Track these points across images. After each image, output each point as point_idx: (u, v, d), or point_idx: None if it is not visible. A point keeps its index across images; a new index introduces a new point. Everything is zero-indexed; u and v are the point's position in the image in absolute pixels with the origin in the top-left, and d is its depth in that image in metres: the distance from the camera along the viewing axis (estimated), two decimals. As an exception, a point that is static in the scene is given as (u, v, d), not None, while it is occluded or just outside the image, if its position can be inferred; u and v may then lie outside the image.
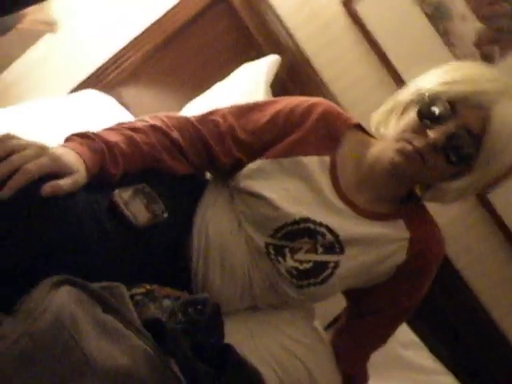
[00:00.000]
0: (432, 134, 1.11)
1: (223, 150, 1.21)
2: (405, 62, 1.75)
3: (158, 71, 1.85)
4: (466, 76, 1.14)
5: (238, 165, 1.23)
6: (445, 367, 1.71)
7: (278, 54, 1.75)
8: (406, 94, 1.21)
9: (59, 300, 0.71)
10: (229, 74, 1.75)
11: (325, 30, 1.81)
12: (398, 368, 1.64)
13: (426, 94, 1.14)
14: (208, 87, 1.75)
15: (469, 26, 1.73)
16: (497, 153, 1.12)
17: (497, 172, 1.18)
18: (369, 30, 1.75)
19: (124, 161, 1.09)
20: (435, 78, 1.16)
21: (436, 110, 1.12)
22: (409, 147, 1.13)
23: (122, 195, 1.05)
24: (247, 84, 1.66)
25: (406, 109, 1.19)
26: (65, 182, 0.97)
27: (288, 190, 1.20)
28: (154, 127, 1.17)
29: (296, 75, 1.79)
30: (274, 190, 1.20)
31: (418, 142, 1.12)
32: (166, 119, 1.20)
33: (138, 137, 1.13)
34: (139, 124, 1.17)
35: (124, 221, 1.04)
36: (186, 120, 1.22)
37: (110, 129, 1.15)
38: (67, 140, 1.08)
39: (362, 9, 1.75)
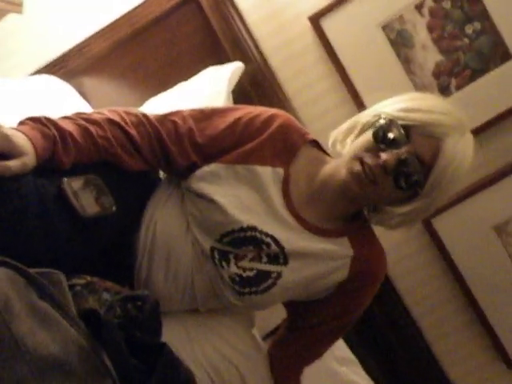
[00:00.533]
0: (384, 156, 1.13)
1: (180, 152, 1.21)
2: (365, 83, 1.78)
3: (122, 64, 1.84)
4: (424, 106, 1.17)
5: (193, 167, 1.23)
6: (377, 386, 1.73)
7: (243, 61, 1.76)
8: (365, 115, 1.24)
9: (-6, 281, 0.70)
10: (193, 74, 1.75)
11: (290, 43, 1.82)
12: (332, 383, 1.66)
13: (384, 117, 1.17)
14: (171, 86, 1.74)
15: (429, 56, 1.77)
16: (443, 183, 1.16)
17: (440, 202, 1.22)
18: (333, 48, 1.77)
19: (76, 151, 1.08)
20: (395, 104, 1.20)
21: (391, 134, 1.15)
22: (359, 167, 1.15)
23: (72, 184, 1.04)
24: (209, 87, 1.67)
25: (363, 130, 1.22)
26: (13, 164, 0.95)
27: (239, 197, 1.21)
28: (110, 121, 1.16)
29: (258, 85, 1.80)
30: (225, 196, 1.21)
31: (370, 161, 1.14)
32: (124, 114, 1.19)
33: (93, 129, 1.12)
34: (96, 116, 1.16)
35: (71, 210, 1.03)
36: (145, 117, 1.21)
37: (66, 117, 1.13)
38: (20, 124, 1.06)
39: (328, 27, 1.77)
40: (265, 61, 1.82)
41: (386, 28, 1.77)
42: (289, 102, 1.83)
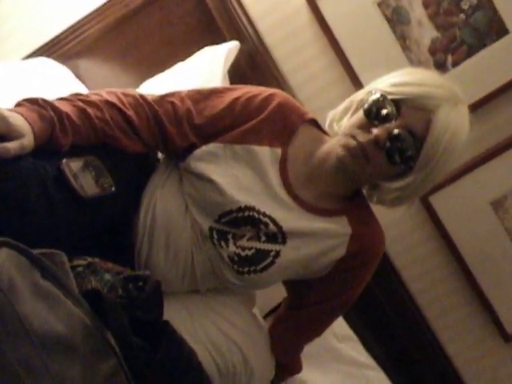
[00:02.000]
0: (375, 131, 1.14)
1: (178, 133, 1.21)
2: (362, 61, 1.78)
3: (118, 46, 1.82)
4: (415, 79, 1.17)
5: (192, 148, 1.23)
6: (376, 363, 1.75)
7: (239, 41, 1.75)
8: (360, 94, 1.25)
9: (-4, 261, 0.70)
10: (189, 55, 1.74)
11: (286, 22, 1.81)
12: (332, 360, 1.67)
13: (375, 93, 1.17)
14: (167, 67, 1.73)
15: (425, 33, 1.76)
16: (437, 155, 1.15)
17: (435, 177, 1.20)
18: (329, 26, 1.76)
19: (74, 132, 1.08)
20: (387, 79, 1.20)
21: (382, 109, 1.15)
22: (353, 142, 1.16)
23: (71, 165, 1.04)
24: (206, 67, 1.66)
25: (357, 108, 1.22)
26: (12, 145, 0.95)
27: (237, 177, 1.22)
28: (108, 103, 1.16)
29: (255, 64, 1.79)
30: (223, 175, 1.21)
31: (362, 138, 1.15)
32: (122, 96, 1.19)
33: (91, 111, 1.12)
34: (94, 98, 1.15)
35: (71, 191, 1.03)
36: (143, 99, 1.21)
37: (64, 99, 1.13)
38: (17, 105, 1.06)
39: (324, 4, 1.76)
40: (260, 40, 1.81)
41: (381, 5, 1.76)
42: (285, 81, 1.82)
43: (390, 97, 1.15)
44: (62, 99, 1.12)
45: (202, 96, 1.25)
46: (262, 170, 1.22)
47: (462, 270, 1.90)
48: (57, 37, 1.83)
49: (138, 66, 1.82)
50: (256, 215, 1.21)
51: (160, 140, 1.22)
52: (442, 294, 1.96)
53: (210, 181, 1.20)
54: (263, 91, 1.27)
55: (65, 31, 1.82)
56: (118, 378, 0.79)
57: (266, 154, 1.23)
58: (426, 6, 1.75)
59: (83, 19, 1.81)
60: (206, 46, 1.75)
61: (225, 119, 1.23)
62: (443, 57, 1.77)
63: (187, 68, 1.71)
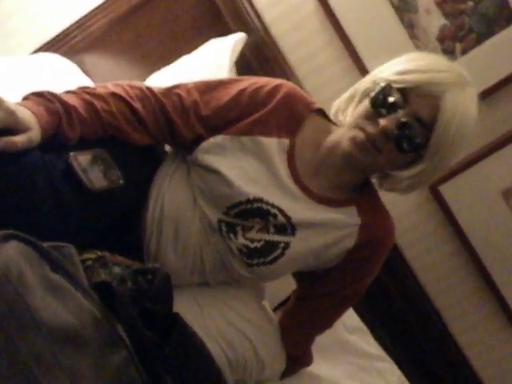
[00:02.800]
0: (383, 121, 1.13)
1: (185, 124, 1.21)
2: (369, 50, 1.77)
3: (124, 40, 1.82)
4: (420, 66, 1.15)
5: (198, 140, 1.23)
6: (387, 355, 1.74)
7: (245, 32, 1.74)
8: (364, 82, 1.24)
9: (6, 254, 0.70)
10: (195, 47, 1.73)
11: (292, 12, 1.80)
12: (342, 352, 1.67)
13: (381, 82, 1.16)
14: (173, 60, 1.73)
15: (433, 21, 1.75)
16: (447, 141, 1.14)
17: (447, 162, 1.20)
18: (336, 15, 1.76)
19: (81, 126, 1.08)
20: (391, 67, 1.19)
21: (388, 98, 1.14)
22: (361, 135, 1.15)
23: (79, 159, 1.04)
24: (212, 60, 1.65)
25: (362, 97, 1.21)
26: (19, 139, 0.95)
27: (245, 168, 1.21)
28: (115, 95, 1.15)
29: (261, 55, 1.79)
30: (230, 167, 1.20)
31: (370, 129, 1.15)
32: (128, 88, 1.19)
33: (97, 103, 1.11)
34: (100, 90, 1.15)
35: (79, 184, 1.03)
36: (150, 91, 1.21)
37: (70, 92, 1.13)
38: (24, 99, 1.06)
39: (330, -6, 1.76)
40: (267, 31, 1.80)
41: (388, -7, 1.75)
42: (292, 72, 1.82)
43: (395, 85, 1.14)
44: (68, 92, 1.12)
45: (209, 87, 1.25)
46: (270, 161, 1.22)
47: (473, 260, 1.89)
48: (63, 32, 1.83)
49: (145, 60, 1.82)
50: (265, 207, 1.20)
51: (167, 132, 1.22)
52: (452, 284, 1.95)
53: (218, 173, 1.20)
54: (270, 82, 1.26)
55: (71, 26, 1.83)
56: (129, 370, 0.79)
57: (274, 145, 1.22)
58: (433, -7, 1.74)
59: (88, 14, 1.82)
60: (212, 38, 1.75)
61: (232, 111, 1.22)
62: (452, 45, 1.76)
63: (194, 60, 1.71)
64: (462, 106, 1.13)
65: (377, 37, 1.76)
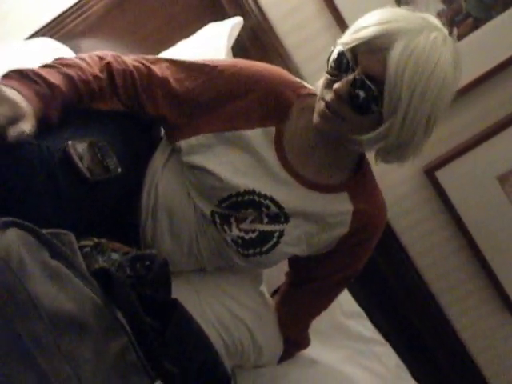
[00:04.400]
0: (335, 85, 1.07)
1: (148, 98, 1.19)
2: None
3: (121, 24, 1.80)
4: (370, 21, 1.08)
5: (165, 123, 1.22)
6: (384, 338, 1.76)
7: (242, 16, 1.73)
8: None
9: (6, 241, 0.70)
10: (192, 32, 1.72)
11: (289, -4, 1.79)
12: (340, 336, 1.68)
13: (334, 48, 1.11)
14: (170, 45, 1.71)
15: (430, 6, 1.73)
16: (403, 94, 1.04)
17: (420, 118, 1.08)
18: (333, 1, 1.74)
19: (63, 105, 1.07)
20: (349, 30, 1.12)
21: (340, 63, 1.08)
22: (322, 105, 1.11)
23: (77, 147, 1.04)
24: (209, 44, 1.65)
25: (328, 60, 1.14)
26: (26, 126, 0.95)
27: (233, 162, 1.19)
28: (90, 64, 1.15)
29: (258, 40, 1.77)
30: (218, 163, 1.19)
31: (328, 97, 1.09)
32: (102, 56, 1.18)
33: (74, 73, 1.10)
34: (77, 61, 1.14)
35: (77, 173, 1.03)
36: (121, 59, 1.19)
37: (48, 66, 1.11)
38: (6, 77, 1.03)
39: (326, -22, 1.74)
40: (264, 15, 1.78)
41: (387, -21, 1.73)
42: (289, 57, 1.80)
43: (346, 47, 1.07)
44: (46, 67, 1.10)
45: (185, 66, 1.22)
46: (257, 152, 1.20)
47: (469, 245, 1.90)
48: (59, 16, 1.81)
49: (142, 45, 1.80)
50: (256, 198, 1.20)
51: (136, 103, 1.19)
52: (449, 269, 1.96)
53: (207, 170, 1.19)
54: (254, 66, 1.23)
55: (67, 10, 1.80)
56: (129, 356, 0.79)
57: (259, 136, 1.20)
58: (430, -22, 1.73)
59: (85, -2, 1.80)
60: (210, 22, 1.73)
61: (206, 92, 1.19)
62: (449, 29, 1.72)
63: (191, 45, 1.70)
64: (417, 53, 1.03)
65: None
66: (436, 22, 1.10)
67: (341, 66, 1.08)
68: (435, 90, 1.05)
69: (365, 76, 1.05)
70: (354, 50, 1.07)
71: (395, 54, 1.02)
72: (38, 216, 0.95)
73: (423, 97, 1.05)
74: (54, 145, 1.03)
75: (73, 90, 1.09)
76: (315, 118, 1.13)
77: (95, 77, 1.13)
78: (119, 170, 1.10)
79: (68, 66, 1.12)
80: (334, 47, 1.11)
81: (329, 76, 1.11)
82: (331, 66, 1.10)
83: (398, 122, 1.07)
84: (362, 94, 1.06)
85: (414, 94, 1.04)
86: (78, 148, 1.04)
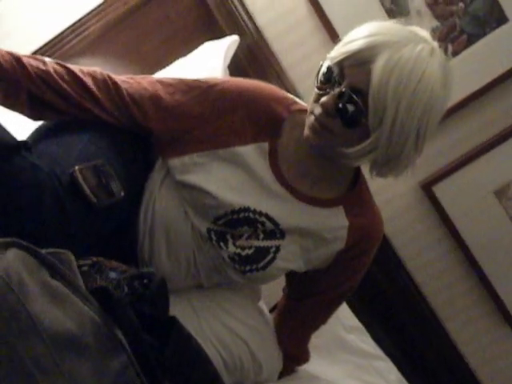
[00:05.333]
0: (322, 99, 1.08)
1: (139, 111, 1.19)
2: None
3: (119, 43, 1.82)
4: (356, 35, 1.08)
5: (152, 138, 1.22)
6: (383, 353, 1.75)
7: (238, 35, 1.75)
8: None
9: (7, 262, 0.71)
10: (189, 51, 1.73)
11: (285, 15, 1.80)
12: (340, 351, 1.68)
13: (322, 63, 1.12)
14: (168, 63, 1.73)
15: (424, 23, 1.75)
16: (388, 107, 1.04)
17: (408, 132, 1.07)
18: (329, 18, 1.76)
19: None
20: (338, 45, 1.13)
21: (327, 77, 1.09)
22: (311, 119, 1.11)
23: (83, 172, 1.04)
24: (206, 63, 1.66)
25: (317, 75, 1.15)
26: None
27: (227, 180, 1.19)
28: (62, 66, 1.16)
29: (254, 58, 1.79)
30: (211, 182, 1.19)
31: (316, 111, 1.10)
32: (83, 68, 1.19)
33: (28, 60, 1.11)
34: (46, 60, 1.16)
35: (83, 198, 1.04)
36: (107, 74, 1.20)
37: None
38: None
39: (322, -3, 1.76)
40: (260, 34, 1.80)
41: (380, -4, 1.75)
42: (285, 75, 1.82)
43: (334, 61, 1.08)
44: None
45: (175, 81, 1.23)
46: (251, 168, 1.20)
47: (467, 259, 1.90)
48: (58, 36, 1.83)
49: (139, 64, 1.81)
50: (252, 215, 1.20)
51: (126, 114, 1.19)
52: (447, 283, 1.96)
53: (201, 189, 1.19)
54: (244, 82, 1.24)
55: (65, 30, 1.82)
56: (129, 374, 0.79)
57: (252, 152, 1.20)
58: (425, -5, 1.75)
59: (83, 18, 1.81)
60: (206, 41, 1.75)
61: (197, 105, 1.19)
62: (443, 46, 1.77)
63: (188, 64, 1.71)
64: (401, 65, 1.02)
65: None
66: (425, 34, 1.10)
67: (328, 80, 1.09)
68: (422, 101, 1.05)
69: (350, 89, 1.06)
70: (341, 64, 1.07)
71: (379, 65, 1.02)
72: (40, 237, 0.95)
73: (410, 109, 1.05)
74: (61, 168, 1.04)
75: (17, 66, 1.09)
76: (305, 131, 1.13)
77: (60, 75, 1.14)
78: (122, 193, 1.11)
79: (30, 56, 1.13)
80: (323, 61, 1.12)
81: (317, 90, 1.11)
82: (320, 81, 1.11)
83: (384, 134, 1.07)
84: (348, 107, 1.06)
85: (400, 105, 1.04)
86: (84, 172, 1.05)
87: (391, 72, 1.02)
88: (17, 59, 1.10)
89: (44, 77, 1.12)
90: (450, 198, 1.86)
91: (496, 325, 1.97)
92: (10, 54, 1.10)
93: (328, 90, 1.09)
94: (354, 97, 1.05)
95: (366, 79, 1.04)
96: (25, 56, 1.13)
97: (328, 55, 1.12)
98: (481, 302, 1.96)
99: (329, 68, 1.09)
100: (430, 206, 1.89)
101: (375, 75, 1.03)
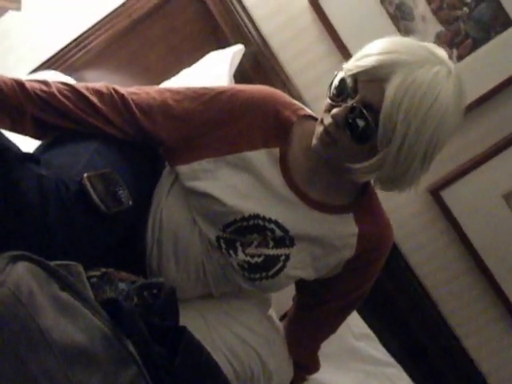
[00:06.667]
0: (334, 111, 1.08)
1: (149, 122, 1.18)
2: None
3: (123, 56, 1.83)
4: (373, 50, 1.08)
5: (162, 148, 1.22)
6: (394, 360, 1.74)
7: (243, 44, 1.75)
8: None
9: (16, 275, 0.71)
10: (194, 61, 1.74)
11: (290, 23, 1.81)
12: (351, 359, 1.67)
13: (337, 74, 1.12)
14: (173, 74, 1.74)
15: (429, 28, 1.76)
16: (398, 127, 1.03)
17: (417, 151, 1.07)
18: (333, 26, 1.76)
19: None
20: (354, 56, 1.12)
21: (341, 89, 1.09)
22: (320, 128, 1.11)
23: (92, 180, 1.04)
24: (212, 72, 1.67)
25: (330, 85, 1.14)
26: None
27: (236, 186, 1.19)
28: (66, 84, 1.17)
29: (260, 67, 1.79)
30: (222, 188, 1.18)
31: (326, 121, 1.10)
32: (86, 84, 1.19)
33: (31, 84, 1.12)
34: (50, 81, 1.16)
35: (91, 206, 1.03)
36: (112, 87, 1.20)
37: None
38: None
39: (326, 5, 1.76)
40: (265, 42, 1.81)
41: (384, 2, 1.75)
42: (291, 83, 1.82)
43: (348, 73, 1.08)
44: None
45: (183, 89, 1.23)
46: (261, 174, 1.20)
47: (477, 264, 1.90)
48: (62, 49, 1.84)
49: (145, 75, 1.83)
50: (261, 223, 1.19)
51: (135, 127, 1.19)
52: (457, 288, 1.95)
53: (210, 196, 1.18)
54: (251, 88, 1.24)
55: (70, 43, 1.83)
56: (140, 386, 0.79)
57: (263, 157, 1.20)
58: (429, 1, 1.75)
59: (88, 31, 1.83)
60: (211, 51, 1.76)
61: (206, 112, 1.19)
62: (448, 51, 1.77)
63: (193, 74, 1.72)
64: (415, 86, 1.02)
65: (374, 45, 1.76)
66: (442, 54, 1.09)
67: (341, 91, 1.09)
68: (432, 125, 1.05)
69: (362, 105, 1.06)
70: (355, 78, 1.07)
71: (392, 86, 1.02)
72: (49, 248, 0.96)
73: (419, 131, 1.04)
74: (69, 176, 1.03)
75: (19, 90, 1.10)
76: (313, 140, 1.13)
77: (64, 94, 1.14)
78: (130, 202, 1.10)
79: (33, 80, 1.14)
80: (338, 72, 1.12)
81: (330, 101, 1.11)
82: (333, 92, 1.11)
83: (391, 154, 1.07)
84: (358, 121, 1.06)
85: (410, 127, 1.04)
86: (93, 180, 1.04)
87: (405, 93, 1.02)
88: (19, 84, 1.10)
89: (48, 99, 1.12)
90: (459, 202, 1.85)
91: (507, 329, 1.96)
92: (13, 79, 1.10)
93: (340, 102, 1.08)
94: (365, 112, 1.05)
95: (378, 97, 1.04)
96: (28, 80, 1.13)
97: (344, 65, 1.12)
98: (491, 307, 1.95)
99: (343, 79, 1.09)
100: (438, 211, 1.89)
101: (388, 95, 1.02)
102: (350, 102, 1.07)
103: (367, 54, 1.07)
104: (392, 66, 1.03)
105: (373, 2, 1.76)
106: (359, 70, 1.06)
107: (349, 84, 1.08)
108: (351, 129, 1.07)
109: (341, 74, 1.10)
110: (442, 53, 1.09)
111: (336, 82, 1.10)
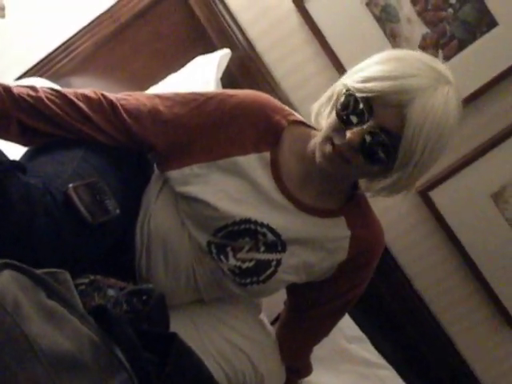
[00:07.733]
0: (348, 134, 1.06)
1: (139, 127, 1.18)
2: (353, 61, 1.73)
3: (110, 61, 1.83)
4: (385, 72, 1.06)
5: (153, 151, 1.22)
6: (386, 361, 1.75)
7: (229, 48, 1.76)
8: (339, 84, 1.16)
9: (1, 283, 0.70)
10: (181, 66, 1.74)
11: (276, 27, 1.81)
12: (343, 361, 1.68)
13: (345, 93, 1.09)
14: (160, 79, 1.74)
15: (415, 29, 1.77)
16: (417, 151, 1.05)
17: (424, 169, 1.11)
18: (319, 29, 1.77)
19: None
20: (358, 72, 1.10)
21: (353, 110, 1.07)
22: (329, 148, 1.10)
23: (78, 190, 1.04)
24: (199, 77, 1.67)
25: (333, 106, 1.13)
26: None
27: (228, 191, 1.19)
28: (54, 90, 1.16)
29: (246, 71, 1.80)
30: (212, 193, 1.18)
31: (337, 141, 1.09)
32: (74, 90, 1.18)
33: (17, 88, 1.11)
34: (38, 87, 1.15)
35: (77, 216, 1.03)
36: (101, 93, 1.19)
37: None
38: None
39: (312, 8, 1.76)
40: (251, 46, 1.81)
41: (369, 4, 1.76)
42: (278, 86, 1.83)
43: (360, 95, 1.05)
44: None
45: (173, 95, 1.23)
46: (252, 178, 1.19)
47: (466, 263, 1.90)
48: (47, 56, 1.83)
49: (132, 81, 1.82)
50: (253, 227, 1.19)
51: (125, 132, 1.18)
52: (447, 288, 1.96)
53: (201, 201, 1.18)
54: (240, 92, 1.24)
55: (55, 50, 1.82)
56: (129, 393, 0.79)
57: (254, 162, 1.20)
58: (414, 2, 1.76)
59: (73, 37, 1.82)
60: (198, 55, 1.76)
61: (195, 117, 1.19)
62: (434, 52, 1.78)
63: (180, 79, 1.72)
64: (434, 111, 1.03)
65: (360, 48, 1.76)
66: (444, 70, 1.09)
67: (353, 112, 1.07)
68: (443, 143, 1.08)
69: (380, 129, 1.05)
70: (369, 100, 1.05)
71: (415, 112, 1.02)
72: (35, 257, 0.95)
73: (432, 150, 1.07)
74: (55, 186, 1.03)
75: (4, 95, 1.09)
76: (319, 157, 1.12)
77: (50, 99, 1.13)
78: (117, 210, 1.10)
79: (19, 85, 1.13)
80: (342, 89, 1.10)
81: (338, 119, 1.09)
82: (341, 112, 1.08)
83: (407, 173, 1.09)
84: (375, 145, 1.06)
85: (426, 149, 1.06)
86: (79, 190, 1.04)
87: (425, 119, 1.03)
88: (6, 89, 1.09)
89: (35, 104, 1.11)
90: (447, 203, 1.86)
91: (498, 328, 1.97)
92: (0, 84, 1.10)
93: (352, 122, 1.07)
94: (384, 138, 1.05)
95: (399, 123, 1.04)
96: (15, 86, 1.12)
97: (345, 81, 1.11)
98: (482, 305, 1.95)
99: (354, 100, 1.07)
100: (427, 212, 1.89)
101: (411, 121, 1.03)
102: (365, 125, 1.05)
103: (376, 77, 1.05)
104: (412, 93, 1.03)
105: (358, 4, 1.76)
106: (374, 94, 1.04)
107: (360, 106, 1.06)
108: (367, 152, 1.07)
109: (349, 93, 1.08)
110: (443, 68, 1.10)
111: (345, 101, 1.08)
